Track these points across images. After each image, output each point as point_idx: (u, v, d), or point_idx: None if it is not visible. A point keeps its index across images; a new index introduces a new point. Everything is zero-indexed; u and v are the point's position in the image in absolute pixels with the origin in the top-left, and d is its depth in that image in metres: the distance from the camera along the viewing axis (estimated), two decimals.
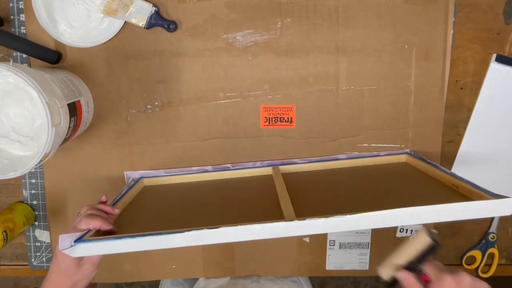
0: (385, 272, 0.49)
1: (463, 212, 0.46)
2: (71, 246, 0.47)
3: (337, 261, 0.74)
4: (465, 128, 0.71)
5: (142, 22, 0.65)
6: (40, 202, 0.73)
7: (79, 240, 0.48)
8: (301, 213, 0.50)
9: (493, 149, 0.71)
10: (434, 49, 0.68)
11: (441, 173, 0.59)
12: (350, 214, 0.45)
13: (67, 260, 0.49)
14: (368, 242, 0.73)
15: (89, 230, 0.50)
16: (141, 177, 0.70)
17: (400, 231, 0.73)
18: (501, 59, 0.68)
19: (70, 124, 0.59)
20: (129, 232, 0.49)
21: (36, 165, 0.56)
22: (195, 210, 0.58)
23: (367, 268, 0.74)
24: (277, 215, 0.51)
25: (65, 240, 0.48)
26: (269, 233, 0.46)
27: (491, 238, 0.74)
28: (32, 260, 0.75)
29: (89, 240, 0.48)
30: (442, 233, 0.73)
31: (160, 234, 0.46)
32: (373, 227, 0.45)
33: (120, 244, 0.47)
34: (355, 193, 0.58)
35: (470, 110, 0.70)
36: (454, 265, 0.76)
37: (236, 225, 0.45)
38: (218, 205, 0.59)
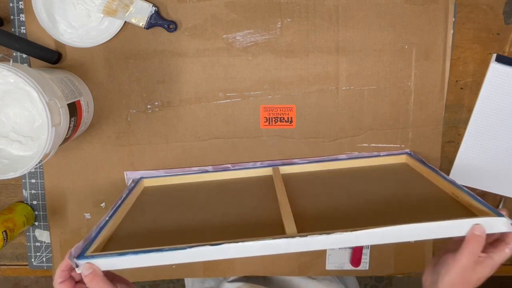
0: None
1: (462, 228, 0.46)
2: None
3: (337, 261, 0.74)
4: (465, 128, 0.71)
5: (142, 22, 0.65)
6: (40, 202, 0.73)
7: (80, 256, 0.47)
8: (302, 224, 0.50)
9: (493, 149, 0.71)
10: (434, 49, 0.68)
11: (441, 180, 0.59)
12: (350, 230, 0.46)
13: None
14: None
15: (90, 245, 0.50)
16: (141, 177, 0.70)
17: None
18: (501, 59, 0.68)
19: (70, 124, 0.59)
20: (131, 243, 0.49)
21: (36, 165, 0.56)
22: (196, 217, 0.58)
23: (367, 268, 0.74)
24: (278, 226, 0.51)
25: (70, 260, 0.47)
26: (271, 250, 0.46)
27: None
28: (32, 260, 0.75)
29: (91, 257, 0.47)
30: None
31: (163, 250, 0.46)
32: (372, 243, 0.46)
33: (123, 260, 0.47)
34: (355, 199, 0.58)
35: (470, 110, 0.70)
36: None
37: (237, 242, 0.46)
38: (219, 212, 0.59)
